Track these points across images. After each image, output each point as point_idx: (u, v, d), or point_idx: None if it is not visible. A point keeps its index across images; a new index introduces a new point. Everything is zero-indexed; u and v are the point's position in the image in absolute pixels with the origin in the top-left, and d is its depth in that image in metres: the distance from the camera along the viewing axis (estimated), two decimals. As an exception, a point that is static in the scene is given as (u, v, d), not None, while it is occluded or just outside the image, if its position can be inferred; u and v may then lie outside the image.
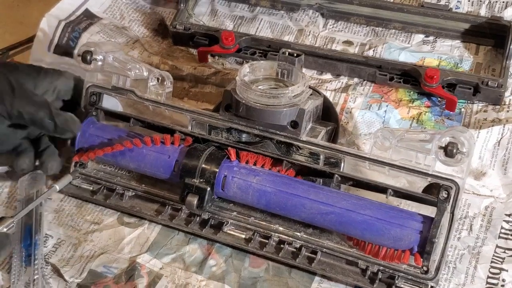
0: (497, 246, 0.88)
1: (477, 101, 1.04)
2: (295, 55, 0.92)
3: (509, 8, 1.13)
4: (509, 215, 0.90)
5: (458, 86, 1.03)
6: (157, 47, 1.17)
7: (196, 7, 1.22)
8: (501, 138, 0.98)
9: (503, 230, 0.89)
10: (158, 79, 0.93)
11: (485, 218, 0.91)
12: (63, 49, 1.12)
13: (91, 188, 0.96)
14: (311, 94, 0.89)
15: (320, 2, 1.17)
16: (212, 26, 1.18)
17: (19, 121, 0.88)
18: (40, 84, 0.92)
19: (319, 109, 0.92)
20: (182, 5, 1.17)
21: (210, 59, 1.14)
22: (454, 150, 0.78)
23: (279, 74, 0.91)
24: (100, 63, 0.92)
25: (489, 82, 1.01)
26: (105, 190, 0.95)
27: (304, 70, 1.08)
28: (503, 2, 1.14)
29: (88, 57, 0.91)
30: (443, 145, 0.78)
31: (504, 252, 0.87)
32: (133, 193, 0.94)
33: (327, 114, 0.95)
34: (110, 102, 0.96)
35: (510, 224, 0.90)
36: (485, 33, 1.10)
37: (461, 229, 0.90)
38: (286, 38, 1.15)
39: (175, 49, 1.17)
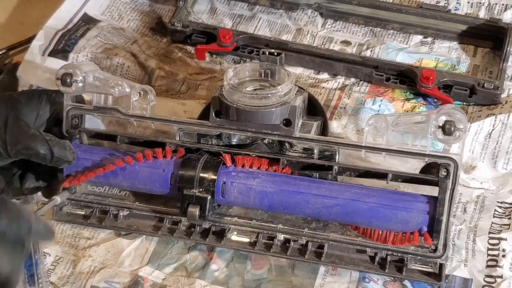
0: (492, 222, 0.90)
1: (473, 103, 1.04)
2: (275, 54, 0.92)
3: (508, 11, 1.13)
4: (501, 203, 0.92)
5: (454, 87, 1.03)
6: (156, 46, 1.16)
7: (196, 5, 1.21)
8: (493, 130, 0.99)
9: (496, 213, 0.91)
10: (140, 93, 0.91)
11: (477, 204, 0.93)
12: (59, 52, 1.10)
13: (83, 212, 0.94)
14: (297, 91, 0.90)
15: (319, 1, 1.16)
16: (211, 24, 1.18)
17: (19, 157, 0.87)
18: (43, 113, 0.91)
19: (305, 104, 0.93)
20: (181, 2, 1.16)
21: (208, 57, 1.13)
22: (452, 128, 0.79)
23: (263, 74, 0.91)
24: (80, 84, 0.90)
25: (485, 84, 1.01)
26: (98, 213, 0.93)
27: (301, 69, 1.10)
28: (503, 4, 1.14)
29: (68, 80, 0.88)
30: (441, 124, 0.80)
31: (500, 227, 0.90)
32: (128, 212, 0.92)
33: (312, 108, 0.96)
34: (91, 122, 0.94)
35: (503, 208, 0.92)
36: (483, 35, 1.10)
37: (456, 211, 0.92)
38: (284, 37, 1.14)
39: (173, 48, 1.16)
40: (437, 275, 0.84)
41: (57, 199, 0.88)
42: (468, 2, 1.16)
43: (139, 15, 1.20)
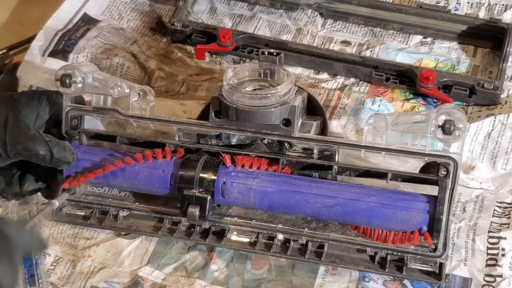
0: (492, 222, 0.90)
1: (473, 103, 1.04)
2: (274, 54, 0.92)
3: (508, 11, 1.12)
4: (500, 203, 0.92)
5: (454, 87, 1.03)
6: (156, 46, 1.16)
7: (196, 4, 1.21)
8: (492, 130, 0.99)
9: (496, 213, 0.91)
10: (139, 94, 0.91)
11: (477, 204, 0.92)
12: (59, 53, 1.10)
13: (82, 213, 0.94)
14: (297, 91, 0.90)
15: (319, 1, 1.16)
16: (211, 24, 1.17)
17: (19, 158, 0.87)
18: (43, 114, 0.91)
19: (305, 104, 0.93)
20: (181, 2, 1.16)
21: (207, 57, 1.13)
22: (452, 127, 0.79)
23: (262, 74, 0.91)
24: (80, 85, 0.89)
25: (485, 84, 1.01)
26: (97, 213, 0.93)
27: (300, 69, 1.10)
28: (503, 4, 1.14)
29: (67, 81, 0.88)
30: (440, 123, 0.80)
31: (500, 226, 0.90)
32: (128, 213, 0.92)
33: (311, 108, 0.96)
34: (91, 123, 0.94)
35: (502, 208, 0.92)
36: (483, 35, 1.10)
37: (455, 210, 0.91)
38: (284, 37, 1.14)
39: (173, 48, 1.16)
40: (437, 275, 0.84)
41: (55, 203, 0.88)
42: (468, 2, 1.16)
43: (139, 15, 1.20)
